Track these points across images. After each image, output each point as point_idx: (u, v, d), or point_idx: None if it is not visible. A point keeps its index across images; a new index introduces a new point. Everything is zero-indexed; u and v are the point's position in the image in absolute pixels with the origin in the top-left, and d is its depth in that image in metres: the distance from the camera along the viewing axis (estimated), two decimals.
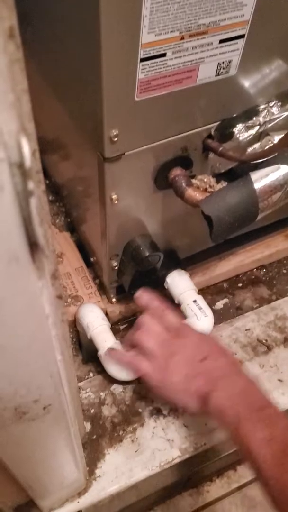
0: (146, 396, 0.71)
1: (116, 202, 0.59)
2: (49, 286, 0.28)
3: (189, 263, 0.82)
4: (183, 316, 0.72)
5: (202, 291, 0.86)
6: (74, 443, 0.44)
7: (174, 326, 0.64)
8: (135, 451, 0.67)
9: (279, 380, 0.74)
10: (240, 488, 1.09)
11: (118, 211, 0.61)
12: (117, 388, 0.72)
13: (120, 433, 0.69)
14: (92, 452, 0.67)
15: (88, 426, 0.69)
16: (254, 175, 0.56)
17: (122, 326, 0.81)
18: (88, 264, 0.83)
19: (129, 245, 0.68)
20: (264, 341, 0.78)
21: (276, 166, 0.56)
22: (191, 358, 0.60)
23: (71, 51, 0.49)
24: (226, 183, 0.58)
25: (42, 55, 0.60)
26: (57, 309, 0.33)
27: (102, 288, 0.80)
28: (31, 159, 0.21)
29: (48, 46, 0.55)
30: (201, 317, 0.70)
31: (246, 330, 0.80)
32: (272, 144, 0.52)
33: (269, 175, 0.56)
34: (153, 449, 0.67)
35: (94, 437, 0.68)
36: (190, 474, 0.88)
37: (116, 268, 0.72)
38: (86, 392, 0.72)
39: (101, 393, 0.72)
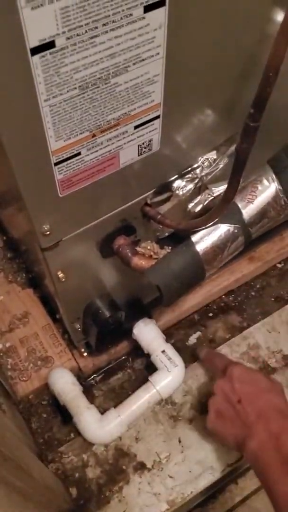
0: (128, 452, 0.71)
1: (64, 279, 0.58)
2: None
3: (156, 304, 0.82)
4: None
5: (174, 327, 0.86)
6: None
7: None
8: (124, 511, 0.67)
9: None
10: (243, 500, 1.10)
11: (68, 285, 0.60)
12: (98, 448, 0.72)
13: (107, 494, 0.69)
14: None
15: (74, 491, 0.69)
16: (195, 237, 0.56)
17: (98, 377, 0.81)
18: (55, 319, 0.82)
19: (88, 308, 0.68)
20: None
21: (215, 226, 0.55)
22: (227, 400, 0.62)
23: None
24: (170, 248, 0.57)
25: None
26: None
27: (72, 343, 0.80)
28: None
29: None
30: (171, 368, 0.70)
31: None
32: (209, 213, 0.51)
33: (210, 235, 0.56)
34: (141, 505, 0.68)
35: (82, 502, 0.68)
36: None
37: (79, 329, 0.71)
38: (68, 456, 0.72)
39: (83, 455, 0.72)
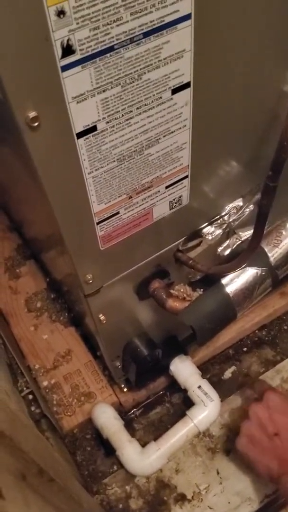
0: (169, 484, 0.75)
1: (104, 321, 0.63)
2: None
3: (191, 340, 0.86)
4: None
5: (209, 362, 0.89)
6: None
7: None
8: None
9: None
10: None
11: (109, 326, 0.65)
12: (140, 479, 0.75)
13: None
14: None
15: None
16: (225, 280, 0.60)
17: (138, 411, 0.85)
18: (96, 356, 0.87)
19: (127, 347, 0.73)
20: None
21: (244, 269, 0.60)
22: (262, 428, 0.65)
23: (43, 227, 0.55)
24: (202, 290, 0.62)
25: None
26: None
27: (112, 379, 0.84)
28: None
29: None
30: (207, 402, 0.73)
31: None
32: (237, 259, 0.55)
33: (239, 277, 0.60)
34: None
35: None
36: None
37: (119, 367, 0.76)
38: (112, 488, 0.76)
39: (127, 487, 0.75)
